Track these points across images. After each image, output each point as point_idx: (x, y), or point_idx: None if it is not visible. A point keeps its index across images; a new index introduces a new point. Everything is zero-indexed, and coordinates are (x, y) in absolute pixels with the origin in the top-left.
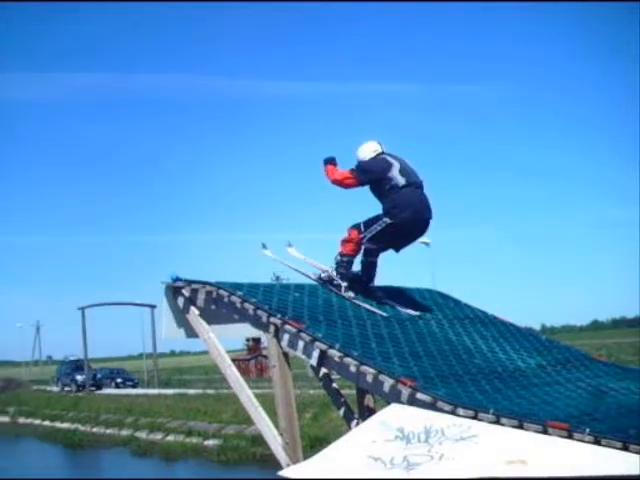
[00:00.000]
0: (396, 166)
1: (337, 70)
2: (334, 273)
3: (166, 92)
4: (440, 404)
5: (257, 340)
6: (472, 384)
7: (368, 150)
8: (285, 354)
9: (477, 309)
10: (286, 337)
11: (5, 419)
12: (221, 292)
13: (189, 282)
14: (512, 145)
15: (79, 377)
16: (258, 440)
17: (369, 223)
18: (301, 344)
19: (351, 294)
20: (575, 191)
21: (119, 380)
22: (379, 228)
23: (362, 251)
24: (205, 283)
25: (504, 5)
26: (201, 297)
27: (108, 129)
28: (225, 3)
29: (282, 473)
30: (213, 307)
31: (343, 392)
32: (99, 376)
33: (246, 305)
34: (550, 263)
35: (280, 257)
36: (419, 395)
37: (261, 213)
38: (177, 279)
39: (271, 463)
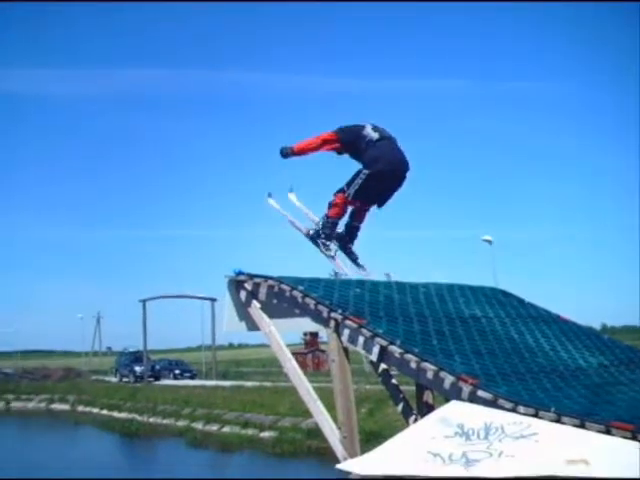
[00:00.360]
0: (368, 125)
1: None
2: (320, 232)
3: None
4: (501, 402)
5: (315, 334)
6: (533, 382)
7: None
8: (345, 349)
9: (540, 308)
10: (346, 332)
11: (65, 407)
12: (283, 287)
13: (251, 276)
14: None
15: (138, 368)
16: (314, 433)
17: (351, 181)
18: (361, 339)
19: (332, 252)
20: None
21: (177, 371)
22: (360, 182)
23: (348, 214)
24: (267, 277)
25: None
26: (263, 291)
27: (170, 124)
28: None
29: (340, 466)
30: (274, 301)
31: (401, 388)
32: (158, 367)
33: (307, 300)
34: (611, 262)
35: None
36: (480, 393)
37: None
38: (240, 273)
39: (327, 456)
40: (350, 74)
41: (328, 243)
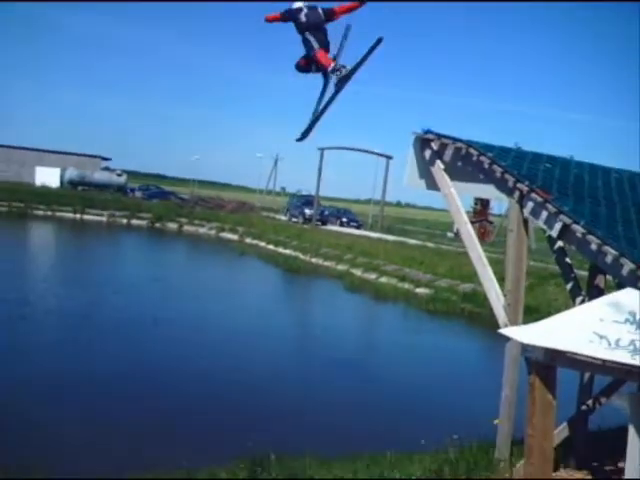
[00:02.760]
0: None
1: None
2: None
3: None
4: None
5: (486, 205)
6: None
7: None
8: (525, 221)
9: None
10: (530, 205)
11: (233, 237)
12: (471, 150)
13: (440, 136)
14: None
15: (307, 211)
16: (469, 297)
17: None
18: (544, 214)
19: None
20: None
21: (344, 219)
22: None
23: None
24: (456, 140)
25: None
26: (449, 152)
27: None
28: None
29: (502, 331)
30: (459, 164)
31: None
32: (326, 213)
33: (494, 167)
34: None
35: None
36: None
37: None
38: (428, 132)
39: (478, 321)
40: None
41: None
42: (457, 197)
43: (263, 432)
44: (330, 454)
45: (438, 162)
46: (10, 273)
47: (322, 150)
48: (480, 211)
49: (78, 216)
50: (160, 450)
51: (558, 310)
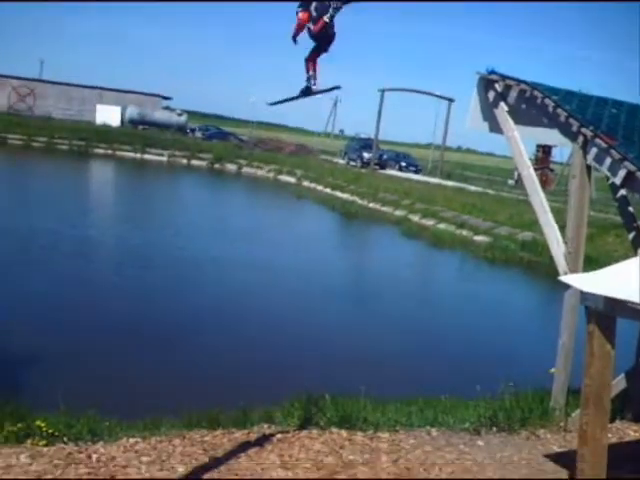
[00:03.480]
0: None
1: None
2: None
3: None
4: None
5: (547, 152)
6: None
7: None
8: (588, 167)
9: None
10: (593, 151)
11: (291, 180)
12: (535, 93)
13: (504, 77)
14: None
15: (366, 154)
16: (528, 245)
17: None
18: (608, 161)
19: None
20: None
21: (403, 164)
22: None
23: None
24: (521, 81)
25: None
26: (513, 94)
27: None
28: None
29: (562, 279)
30: (523, 106)
31: None
32: (385, 157)
33: (558, 111)
34: None
35: None
36: None
37: None
38: (492, 72)
39: (537, 270)
40: None
41: None
42: (520, 141)
43: (318, 374)
44: (385, 398)
45: (502, 104)
46: (72, 211)
47: (382, 91)
48: (542, 158)
49: (138, 155)
50: (215, 390)
51: (617, 262)
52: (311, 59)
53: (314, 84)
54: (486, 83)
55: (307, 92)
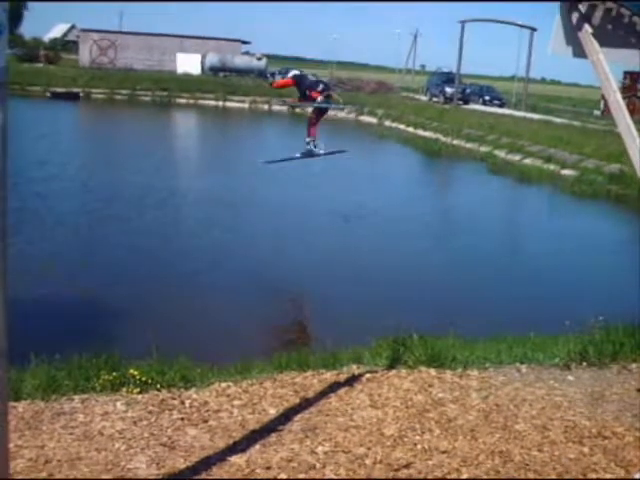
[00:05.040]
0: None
1: None
2: None
3: None
4: None
5: (636, 79)
6: None
7: None
8: None
9: None
10: None
11: (373, 120)
12: (622, 11)
13: None
14: None
15: (448, 89)
16: (616, 178)
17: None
18: None
19: None
20: None
21: (487, 98)
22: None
23: None
24: None
25: None
26: (598, 15)
27: None
28: None
29: None
30: (609, 27)
31: None
32: (468, 91)
33: None
34: None
35: None
36: None
37: None
38: None
39: (625, 203)
40: None
41: None
42: (606, 64)
43: (406, 315)
44: (473, 338)
45: (586, 26)
46: (157, 162)
47: (463, 23)
48: (629, 86)
49: (220, 103)
50: (305, 331)
51: None
52: (312, 124)
53: (315, 146)
54: (569, 5)
55: (310, 154)
